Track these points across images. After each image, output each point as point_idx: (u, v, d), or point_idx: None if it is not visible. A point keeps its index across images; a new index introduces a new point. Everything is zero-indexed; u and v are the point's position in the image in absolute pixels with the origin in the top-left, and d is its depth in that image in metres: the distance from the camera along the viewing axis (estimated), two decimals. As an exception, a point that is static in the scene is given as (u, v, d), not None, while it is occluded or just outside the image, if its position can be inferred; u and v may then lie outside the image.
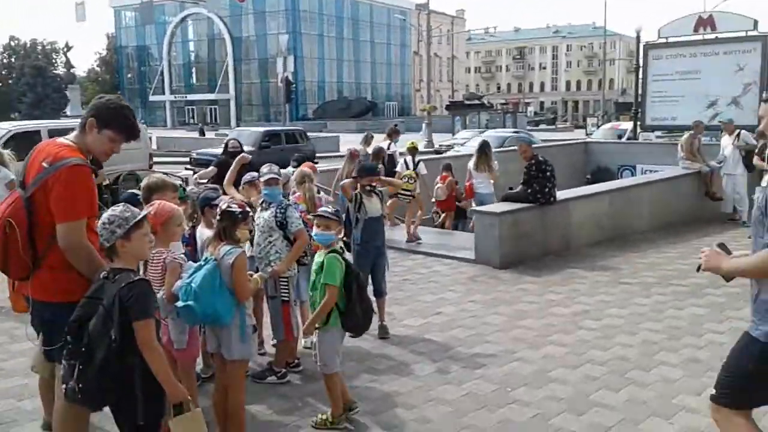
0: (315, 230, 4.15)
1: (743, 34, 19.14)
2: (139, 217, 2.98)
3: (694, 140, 12.34)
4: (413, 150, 10.76)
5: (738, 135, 11.90)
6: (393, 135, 11.93)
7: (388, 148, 11.07)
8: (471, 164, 10.34)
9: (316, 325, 4.11)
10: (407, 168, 10.33)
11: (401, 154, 11.18)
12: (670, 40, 20.34)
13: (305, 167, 7.32)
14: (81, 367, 2.81)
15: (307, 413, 4.27)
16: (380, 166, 9.92)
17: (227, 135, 20.31)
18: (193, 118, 71.42)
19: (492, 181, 10.20)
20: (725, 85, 18.92)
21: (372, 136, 12.05)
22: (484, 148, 10.40)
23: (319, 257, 4.12)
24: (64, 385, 2.93)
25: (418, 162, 10.57)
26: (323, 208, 4.36)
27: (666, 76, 20.10)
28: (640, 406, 4.35)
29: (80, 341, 2.83)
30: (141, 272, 3.82)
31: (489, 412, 4.30)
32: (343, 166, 9.30)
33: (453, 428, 4.08)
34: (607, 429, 4.05)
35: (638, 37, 21.96)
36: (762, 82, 18.34)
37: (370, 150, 10.81)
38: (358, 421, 4.18)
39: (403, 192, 9.64)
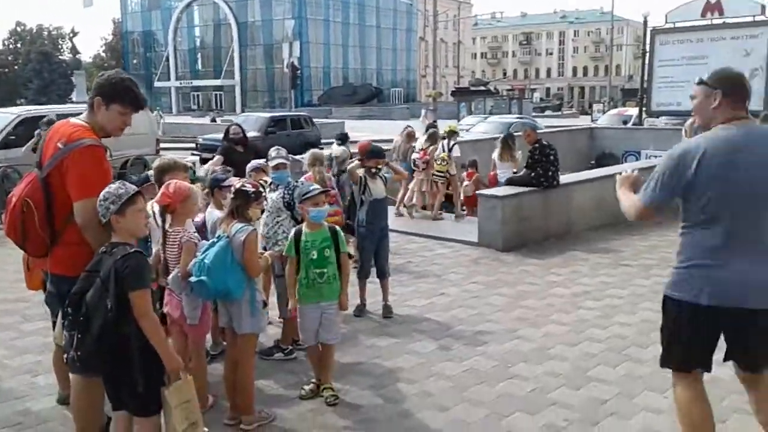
0: (311, 210, 4.21)
1: (751, 19, 19.04)
2: (132, 193, 3.08)
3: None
4: (451, 133, 11.45)
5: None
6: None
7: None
8: (495, 155, 10.85)
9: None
10: (443, 151, 10.89)
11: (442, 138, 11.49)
12: (678, 25, 20.25)
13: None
14: (80, 336, 2.95)
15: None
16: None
17: (232, 121, 20.42)
18: (198, 104, 71.46)
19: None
20: (732, 71, 18.86)
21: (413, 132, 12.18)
22: (507, 139, 10.85)
23: (320, 234, 4.23)
24: (65, 355, 3.07)
25: (453, 145, 11.19)
26: (307, 186, 4.47)
27: (672, 62, 20.03)
28: (636, 380, 4.48)
29: (79, 312, 2.96)
30: (159, 250, 3.97)
31: (489, 386, 4.44)
32: (399, 143, 10.99)
33: (453, 401, 4.22)
34: (603, 402, 4.18)
35: (645, 23, 21.83)
36: (769, 67, 18.27)
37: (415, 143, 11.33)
38: (362, 395, 4.33)
39: (437, 173, 10.59)
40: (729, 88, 3.03)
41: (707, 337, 3.06)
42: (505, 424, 3.92)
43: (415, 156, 10.66)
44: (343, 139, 9.75)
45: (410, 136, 11.10)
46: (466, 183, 11.49)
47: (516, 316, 5.87)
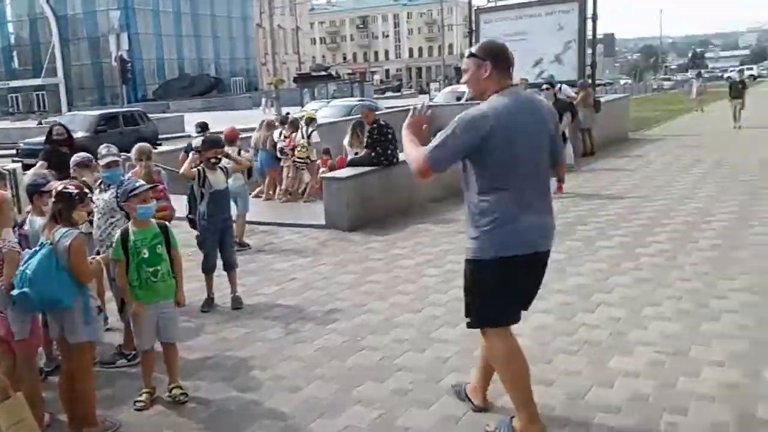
0: (139, 207, 4.07)
1: (562, -5, 20.59)
2: None
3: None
4: (309, 120, 11.93)
5: (560, 88, 13.25)
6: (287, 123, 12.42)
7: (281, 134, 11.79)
8: (345, 141, 11.29)
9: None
10: (302, 137, 11.36)
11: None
12: (499, 3, 21.46)
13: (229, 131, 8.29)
14: None
15: (163, 390, 4.26)
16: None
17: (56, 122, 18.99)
18: (17, 106, 65.46)
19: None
20: (549, 44, 20.29)
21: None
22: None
23: (149, 231, 4.11)
24: None
25: (311, 132, 11.60)
26: (133, 182, 4.32)
27: (495, 39, 21.18)
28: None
29: None
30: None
31: (340, 361, 4.57)
32: (258, 133, 11.58)
33: (306, 381, 4.29)
34: (445, 360, 4.46)
35: (470, 3, 22.99)
36: (580, 39, 19.92)
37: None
38: (213, 389, 4.28)
39: (298, 159, 11.19)
40: (496, 58, 3.25)
41: (515, 286, 3.33)
42: (356, 394, 4.06)
43: (281, 144, 11.25)
44: (204, 127, 9.61)
45: (269, 126, 11.68)
46: (322, 169, 11.77)
47: (364, 291, 6.06)
